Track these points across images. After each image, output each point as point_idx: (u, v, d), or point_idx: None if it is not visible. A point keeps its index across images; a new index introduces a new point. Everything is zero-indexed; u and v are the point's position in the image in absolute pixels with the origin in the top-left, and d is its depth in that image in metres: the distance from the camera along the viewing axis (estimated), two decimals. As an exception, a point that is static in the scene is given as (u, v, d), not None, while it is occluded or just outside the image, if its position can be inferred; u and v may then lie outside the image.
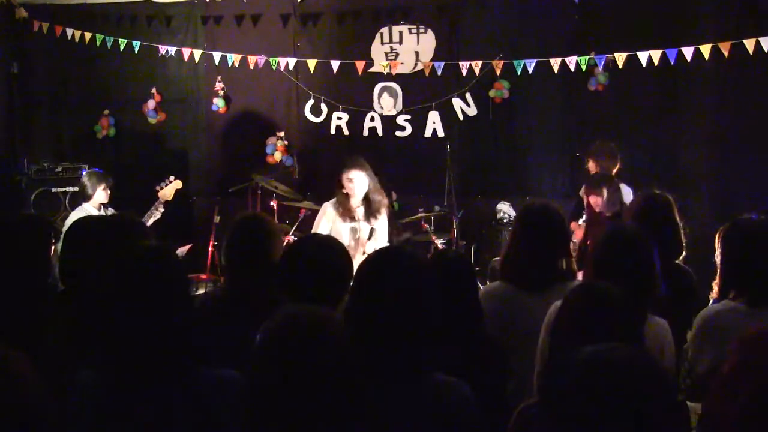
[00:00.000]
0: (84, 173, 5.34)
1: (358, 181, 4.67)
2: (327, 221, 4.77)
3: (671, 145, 6.25)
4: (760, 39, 5.43)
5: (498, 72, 6.33)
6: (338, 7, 6.88)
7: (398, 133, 6.77)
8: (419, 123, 6.68)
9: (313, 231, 4.81)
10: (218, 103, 7.04)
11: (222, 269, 2.80)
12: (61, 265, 2.58)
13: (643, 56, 5.80)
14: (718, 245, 2.80)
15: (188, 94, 7.28)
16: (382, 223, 4.80)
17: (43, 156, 6.97)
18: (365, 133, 6.76)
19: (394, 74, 6.68)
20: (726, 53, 5.56)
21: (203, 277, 6.21)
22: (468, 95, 6.56)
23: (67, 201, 6.42)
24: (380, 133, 6.76)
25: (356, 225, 4.71)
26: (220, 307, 2.62)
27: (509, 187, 6.66)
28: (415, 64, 6.67)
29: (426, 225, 6.15)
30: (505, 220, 6.29)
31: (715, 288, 2.78)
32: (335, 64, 6.59)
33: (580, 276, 2.94)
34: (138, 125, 7.31)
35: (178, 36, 7.13)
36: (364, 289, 1.95)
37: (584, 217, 4.89)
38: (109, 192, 5.07)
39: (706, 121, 6.12)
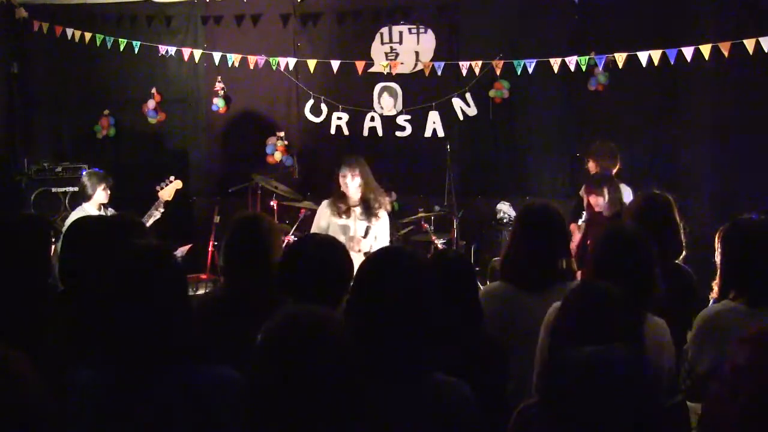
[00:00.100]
0: (84, 173, 5.34)
1: (352, 179, 4.68)
2: (323, 220, 4.80)
3: (671, 145, 6.25)
4: (760, 39, 5.43)
5: (498, 72, 6.33)
6: (338, 7, 6.88)
7: (398, 133, 6.77)
8: (419, 123, 6.68)
9: (311, 231, 4.82)
10: (218, 103, 7.04)
11: (221, 269, 2.79)
12: (60, 265, 2.58)
13: (643, 56, 5.80)
14: (718, 245, 2.79)
15: (188, 94, 7.28)
16: (383, 223, 4.80)
17: (43, 156, 6.97)
18: (365, 133, 6.76)
19: (394, 74, 6.68)
20: (726, 53, 5.56)
21: (203, 277, 6.20)
22: (468, 95, 6.56)
23: (67, 201, 6.42)
24: (380, 133, 6.76)
25: (347, 222, 4.72)
26: (220, 307, 2.62)
27: (509, 187, 6.66)
28: (415, 64, 6.67)
29: (426, 225, 6.15)
30: (505, 220, 6.29)
31: (715, 288, 2.78)
32: (335, 64, 6.59)
33: (579, 276, 2.94)
34: (138, 125, 7.31)
35: (178, 36, 7.13)
36: (364, 289, 1.95)
37: (584, 217, 4.90)
38: (109, 192, 5.07)
39: (705, 121, 6.12)
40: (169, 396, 1.81)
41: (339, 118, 6.80)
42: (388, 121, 6.78)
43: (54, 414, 1.47)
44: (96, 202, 5.02)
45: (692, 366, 2.63)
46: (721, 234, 2.79)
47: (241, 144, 7.16)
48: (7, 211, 5.69)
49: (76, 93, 7.40)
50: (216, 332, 2.43)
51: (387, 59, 6.71)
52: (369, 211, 4.71)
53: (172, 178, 5.29)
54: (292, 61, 6.68)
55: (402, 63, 6.68)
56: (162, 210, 5.07)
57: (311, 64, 6.65)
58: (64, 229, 2.86)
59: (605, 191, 4.64)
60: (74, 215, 4.70)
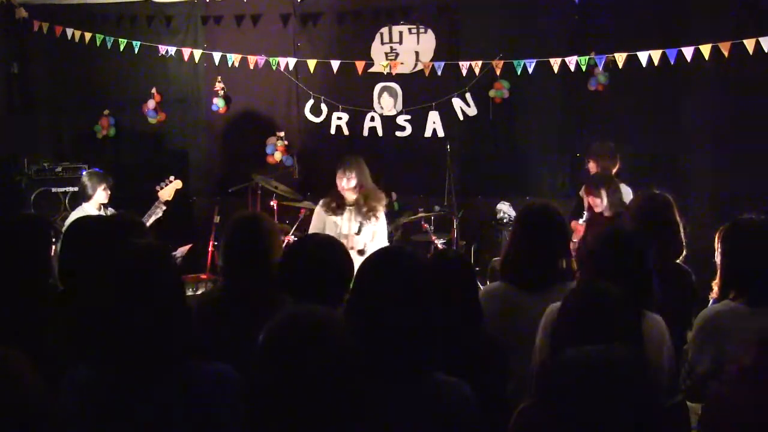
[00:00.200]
0: (84, 173, 5.34)
1: (348, 182, 4.69)
2: (319, 220, 4.83)
3: (671, 145, 6.25)
4: (760, 39, 5.44)
5: (498, 72, 6.33)
6: (338, 7, 6.88)
7: (398, 133, 6.76)
8: (419, 123, 6.68)
9: (309, 231, 4.84)
10: (218, 103, 7.03)
11: (221, 269, 2.79)
12: (60, 265, 2.58)
13: (643, 56, 5.80)
14: (718, 245, 2.79)
15: (188, 94, 7.27)
16: (381, 224, 4.81)
17: (43, 156, 6.97)
18: (365, 133, 6.76)
19: (394, 74, 6.68)
20: (726, 53, 5.56)
21: (203, 277, 6.20)
22: (468, 95, 6.56)
23: (67, 201, 6.42)
24: (380, 133, 6.76)
25: (337, 219, 4.73)
26: (220, 307, 2.62)
27: (509, 187, 6.65)
28: (415, 64, 6.67)
29: (426, 225, 6.15)
30: (505, 220, 6.29)
31: (715, 288, 2.78)
32: (335, 64, 6.59)
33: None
34: (138, 125, 7.31)
35: (178, 36, 7.13)
36: (364, 288, 1.96)
37: (585, 216, 4.89)
38: (109, 192, 5.07)
39: (706, 121, 6.12)
40: (169, 396, 1.81)
41: (339, 118, 6.80)
42: (388, 121, 6.77)
43: (54, 414, 1.47)
44: (96, 202, 5.02)
45: (692, 366, 2.63)
46: (721, 234, 2.79)
47: (241, 144, 7.16)
48: (7, 211, 5.70)
49: (76, 93, 7.39)
50: (216, 332, 2.44)
51: (387, 59, 6.71)
52: (363, 212, 4.71)
53: (171, 178, 5.28)
54: (292, 61, 6.68)
55: (402, 63, 6.67)
56: (162, 210, 5.06)
57: (311, 64, 6.65)
58: (64, 229, 2.86)
59: (603, 192, 4.65)
60: (74, 215, 4.69)
